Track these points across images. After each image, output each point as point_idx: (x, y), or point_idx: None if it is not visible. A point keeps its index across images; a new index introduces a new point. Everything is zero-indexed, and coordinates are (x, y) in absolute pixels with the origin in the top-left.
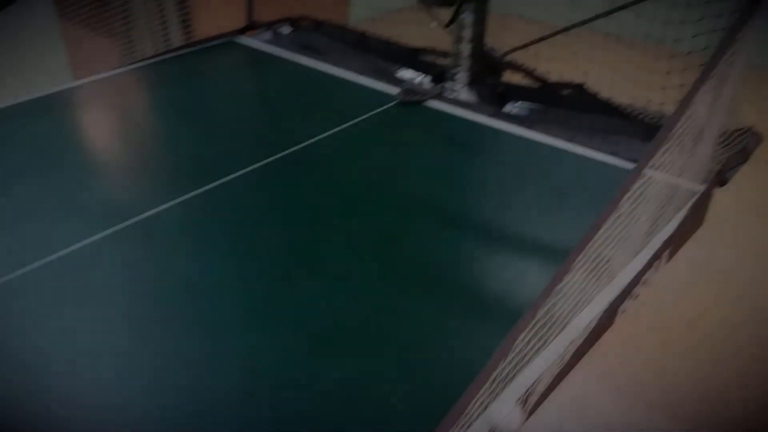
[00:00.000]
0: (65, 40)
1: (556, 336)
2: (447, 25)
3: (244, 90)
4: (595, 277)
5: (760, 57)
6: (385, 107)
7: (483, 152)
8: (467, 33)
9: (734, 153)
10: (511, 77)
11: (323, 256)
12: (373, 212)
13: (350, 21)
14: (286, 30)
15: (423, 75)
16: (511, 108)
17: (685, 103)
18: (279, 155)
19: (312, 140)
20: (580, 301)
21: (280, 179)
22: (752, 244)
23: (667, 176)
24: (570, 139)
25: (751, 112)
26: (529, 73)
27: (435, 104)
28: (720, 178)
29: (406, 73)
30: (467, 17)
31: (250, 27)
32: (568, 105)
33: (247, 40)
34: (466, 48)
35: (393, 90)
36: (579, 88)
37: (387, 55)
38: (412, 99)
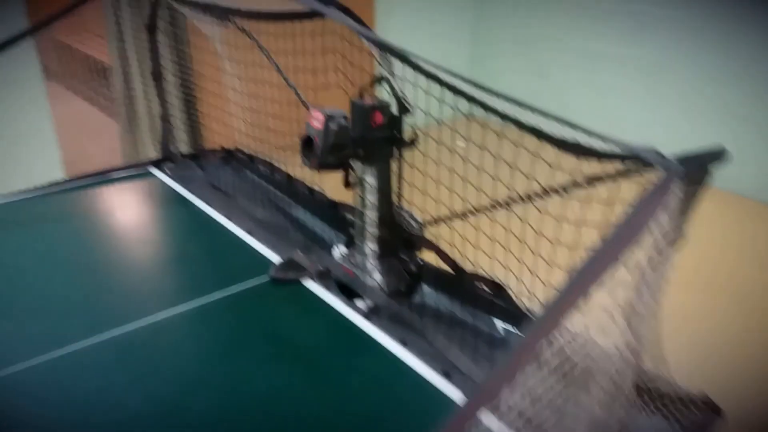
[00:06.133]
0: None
1: None
2: (346, 186)
3: (124, 235)
4: None
5: None
6: (257, 281)
7: (339, 372)
8: (371, 198)
9: None
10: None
11: None
12: None
13: None
14: (211, 162)
15: (336, 234)
16: (418, 298)
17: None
18: (111, 332)
19: (151, 317)
20: None
21: (101, 365)
22: None
23: None
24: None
25: None
26: (443, 256)
27: (314, 285)
28: None
29: (323, 231)
30: (370, 181)
31: (166, 158)
32: (482, 307)
33: (160, 173)
34: (371, 215)
35: (281, 256)
36: (498, 289)
37: (307, 204)
38: (284, 278)
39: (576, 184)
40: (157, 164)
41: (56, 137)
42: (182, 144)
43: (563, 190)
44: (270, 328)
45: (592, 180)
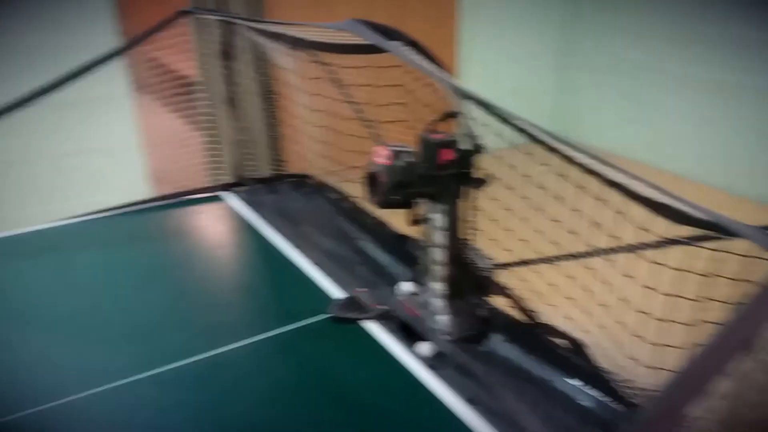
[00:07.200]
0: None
1: None
2: (413, 225)
3: (187, 265)
4: None
5: None
6: (317, 318)
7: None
8: (439, 238)
9: None
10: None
11: None
12: None
13: None
14: (282, 188)
15: (403, 269)
16: (486, 347)
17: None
18: (149, 372)
19: (207, 354)
20: None
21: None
22: None
23: None
24: None
25: None
26: (516, 302)
27: (375, 326)
28: None
29: (389, 265)
30: (437, 219)
31: (238, 183)
32: (557, 364)
33: (232, 198)
34: (439, 255)
35: (344, 291)
36: (576, 347)
37: (373, 235)
38: (344, 317)
39: (667, 244)
40: (229, 188)
41: (143, 153)
42: (264, 168)
43: (653, 247)
44: (325, 372)
45: (689, 243)
